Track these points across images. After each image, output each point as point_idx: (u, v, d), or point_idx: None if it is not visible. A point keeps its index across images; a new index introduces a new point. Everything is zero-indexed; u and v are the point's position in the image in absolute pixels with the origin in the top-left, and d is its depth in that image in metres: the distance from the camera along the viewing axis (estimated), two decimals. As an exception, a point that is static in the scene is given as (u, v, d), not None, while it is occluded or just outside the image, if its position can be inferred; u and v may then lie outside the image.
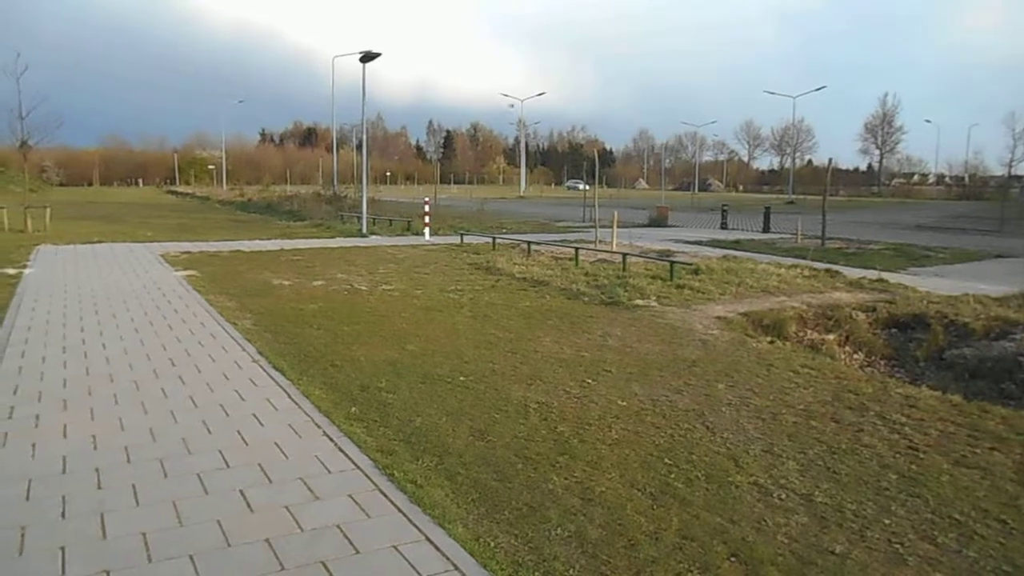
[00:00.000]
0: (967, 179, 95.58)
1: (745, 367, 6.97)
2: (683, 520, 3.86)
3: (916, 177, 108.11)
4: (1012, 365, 8.21)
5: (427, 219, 21.54)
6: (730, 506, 4.04)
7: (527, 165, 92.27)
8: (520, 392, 6.06)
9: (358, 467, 4.40)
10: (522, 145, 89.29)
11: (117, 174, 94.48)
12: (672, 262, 12.71)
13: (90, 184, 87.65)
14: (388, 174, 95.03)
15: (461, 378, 6.44)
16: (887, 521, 3.90)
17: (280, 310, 9.54)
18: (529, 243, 16.47)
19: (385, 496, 4.01)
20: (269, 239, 20.06)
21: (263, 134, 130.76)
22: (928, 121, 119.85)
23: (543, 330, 8.50)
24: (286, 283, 11.87)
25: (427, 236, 21.07)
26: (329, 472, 4.33)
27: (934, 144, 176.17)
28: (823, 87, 76.17)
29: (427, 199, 24.38)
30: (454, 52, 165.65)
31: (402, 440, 4.92)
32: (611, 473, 4.44)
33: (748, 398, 6.01)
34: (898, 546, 3.64)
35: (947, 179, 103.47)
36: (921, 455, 4.84)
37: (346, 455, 4.59)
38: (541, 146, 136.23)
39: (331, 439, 4.87)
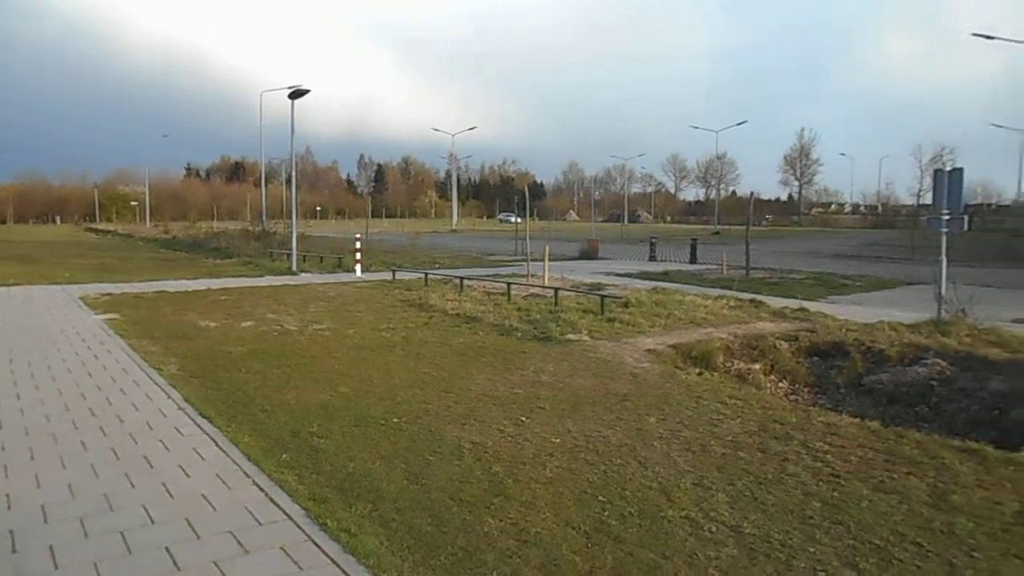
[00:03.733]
0: (880, 208, 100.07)
1: (675, 399, 7.12)
2: (617, 558, 3.90)
3: (833, 207, 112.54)
4: (925, 389, 8.61)
5: (358, 255, 21.38)
6: (663, 541, 4.11)
7: (459, 198, 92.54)
8: (454, 432, 6.06)
9: (289, 517, 4.32)
10: (454, 178, 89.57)
11: (33, 211, 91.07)
12: (603, 296, 12.92)
13: (3, 222, 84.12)
14: (318, 209, 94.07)
15: (395, 420, 6.40)
16: (812, 549, 4.02)
17: (207, 353, 9.31)
18: (461, 279, 16.51)
19: (318, 547, 3.94)
20: (195, 278, 19.59)
21: (189, 168, 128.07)
22: (843, 154, 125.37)
23: (477, 367, 8.51)
24: (213, 325, 11.60)
25: (358, 273, 20.91)
26: (259, 524, 4.24)
27: (849, 175, 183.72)
28: (744, 122, 79.02)
29: (358, 234, 24.21)
30: (385, 86, 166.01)
31: (335, 487, 4.85)
32: (546, 513, 4.47)
33: (679, 431, 6.14)
34: (822, 573, 3.76)
35: (862, 208, 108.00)
36: (843, 482, 5.01)
37: (277, 505, 4.49)
38: (473, 179, 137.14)
39: (261, 488, 4.77)
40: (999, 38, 34.52)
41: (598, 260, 27.92)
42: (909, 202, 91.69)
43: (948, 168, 11.67)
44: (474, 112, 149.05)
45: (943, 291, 11.14)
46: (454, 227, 72.19)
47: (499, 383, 7.76)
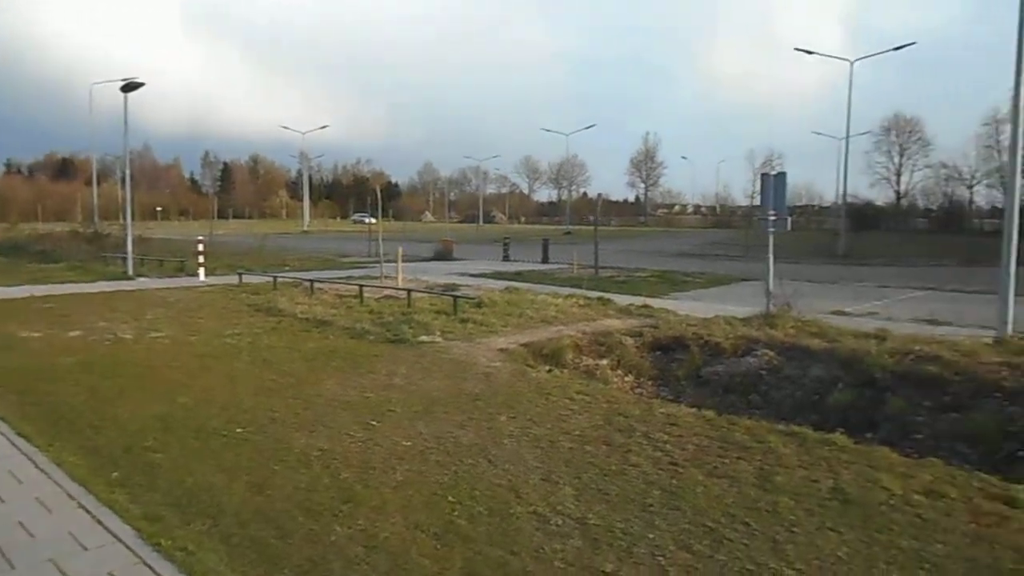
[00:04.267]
0: (718, 209, 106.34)
1: (525, 397, 7.25)
2: (466, 557, 3.93)
3: (677, 208, 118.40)
4: (756, 378, 9.22)
5: (201, 258, 20.36)
6: (511, 538, 4.18)
7: (311, 199, 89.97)
8: (302, 440, 5.89)
9: (119, 540, 4.05)
10: (305, 178, 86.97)
11: None
12: (456, 296, 12.98)
13: None
14: (159, 209, 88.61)
15: (238, 430, 6.14)
16: (651, 535, 4.22)
17: (28, 367, 8.57)
18: (312, 281, 16.08)
19: (150, 569, 3.72)
20: (16, 285, 17.95)
21: (9, 165, 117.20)
22: (684, 158, 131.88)
23: (327, 373, 8.32)
24: (36, 335, 10.69)
25: (202, 277, 19.91)
26: (85, 549, 3.95)
27: (690, 178, 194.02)
28: (593, 125, 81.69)
29: (201, 236, 23.04)
30: (231, 82, 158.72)
31: (171, 504, 4.60)
32: (395, 517, 4.43)
33: (528, 428, 6.26)
34: (660, 558, 3.95)
35: (703, 209, 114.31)
36: (681, 469, 5.29)
37: (105, 527, 4.20)
38: (326, 179, 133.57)
39: (88, 511, 4.44)
40: (817, 53, 37.47)
41: (453, 261, 28.01)
42: (744, 203, 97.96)
43: (774, 172, 12.56)
44: (326, 110, 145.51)
45: (771, 286, 11.97)
46: (306, 228, 70.21)
47: (350, 388, 7.63)
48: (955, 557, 3.95)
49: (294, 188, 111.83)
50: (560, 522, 4.39)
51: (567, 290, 16.04)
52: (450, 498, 4.73)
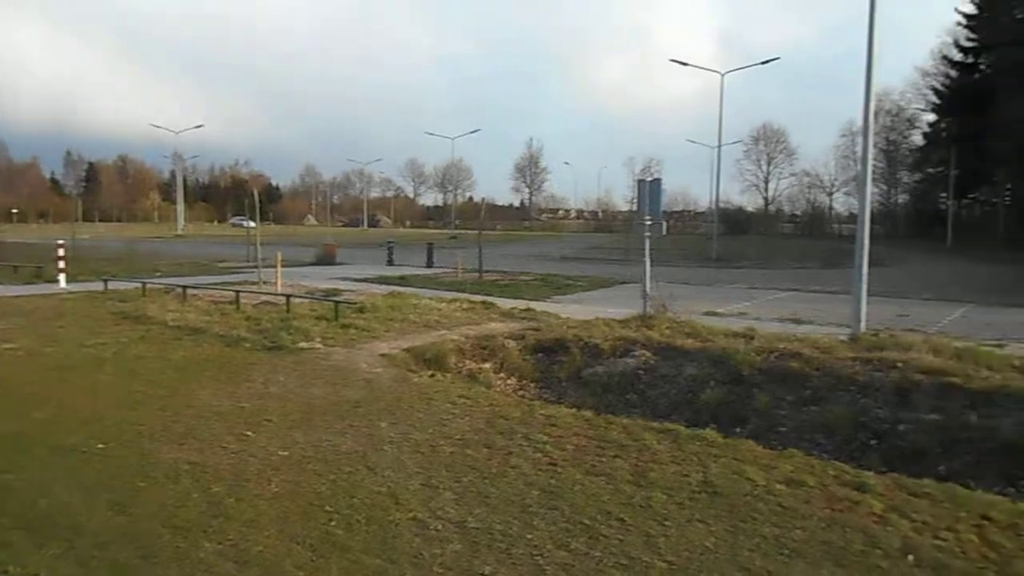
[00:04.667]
0: (600, 214, 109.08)
1: (407, 402, 7.20)
2: (343, 568, 3.86)
3: (561, 212, 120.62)
4: (634, 378, 9.51)
5: (62, 263, 19.09)
6: (390, 545, 4.13)
7: (186, 201, 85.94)
8: (170, 454, 5.62)
9: (-40, 568, 3.75)
10: (179, 179, 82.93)
11: None
12: (337, 301, 12.74)
13: None
14: (14, 211, 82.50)
15: (100, 445, 5.79)
16: (530, 536, 4.27)
17: None
18: (185, 287, 15.38)
19: (-4, 598, 3.46)
20: None
21: None
22: (567, 163, 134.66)
23: (199, 383, 7.98)
24: None
25: (63, 283, 18.65)
26: (-81, 580, 3.63)
27: (573, 183, 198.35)
28: (478, 130, 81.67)
29: (62, 240, 21.58)
30: (96, 77, 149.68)
31: (23, 527, 4.29)
32: (269, 530, 4.30)
33: (409, 433, 6.21)
34: (539, 558, 4.00)
35: (585, 214, 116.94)
36: (559, 469, 5.38)
37: (-56, 556, 3.88)
38: (202, 181, 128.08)
39: (-76, 539, 4.08)
40: (690, 65, 39.09)
41: (336, 265, 27.47)
42: (625, 208, 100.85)
43: (650, 178, 13.00)
44: (202, 109, 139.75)
45: (648, 289, 12.37)
46: (180, 232, 67.12)
47: (223, 397, 7.34)
48: (812, 541, 4.20)
49: (167, 190, 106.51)
50: (440, 527, 4.38)
51: (451, 294, 16.04)
52: (327, 508, 4.63)
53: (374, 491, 4.93)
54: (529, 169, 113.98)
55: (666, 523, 4.44)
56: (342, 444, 5.91)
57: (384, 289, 17.33)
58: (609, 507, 4.68)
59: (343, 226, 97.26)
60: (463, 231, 69.74)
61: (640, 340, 10.30)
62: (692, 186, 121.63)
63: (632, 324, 11.37)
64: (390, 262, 28.50)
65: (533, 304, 14.44)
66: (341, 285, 18.63)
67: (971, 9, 52.30)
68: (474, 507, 4.67)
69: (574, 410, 7.17)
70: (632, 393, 9.20)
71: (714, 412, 8.31)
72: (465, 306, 13.71)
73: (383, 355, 9.45)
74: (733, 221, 74.96)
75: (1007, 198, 55.39)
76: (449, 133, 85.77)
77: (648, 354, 9.81)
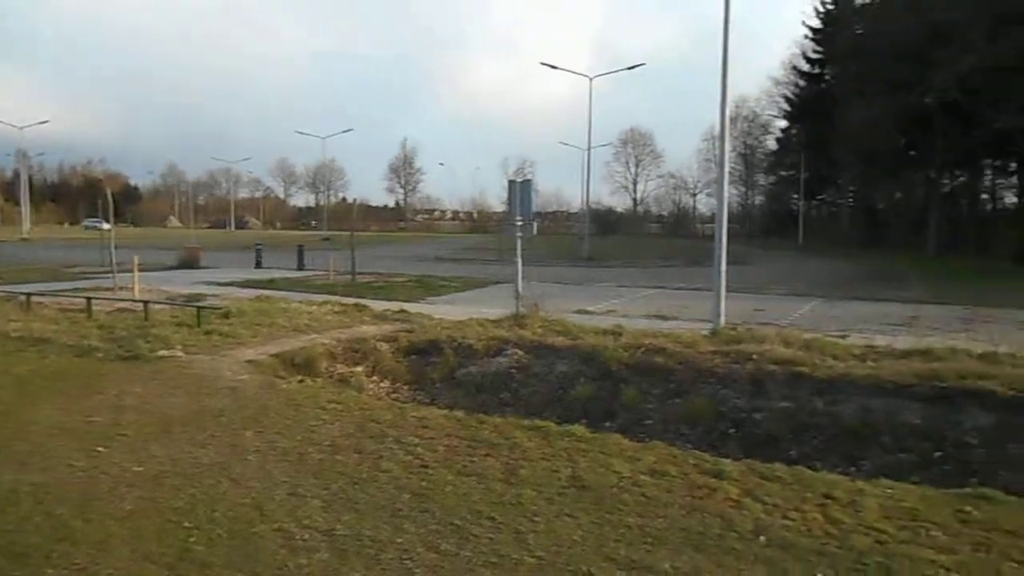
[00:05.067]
0: (476, 215, 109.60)
1: (274, 410, 6.96)
2: (202, 585, 3.69)
3: (437, 213, 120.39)
4: (507, 377, 9.60)
5: None
6: (253, 558, 3.98)
7: (32, 202, 79.76)
8: (9, 475, 5.19)
9: None
10: (24, 178, 76.86)
11: None
12: (200, 307, 12.19)
13: None
14: None
15: (-75, 470, 5.29)
16: (400, 540, 4.22)
17: None
18: (29, 295, 14.27)
19: None
20: None
21: None
22: (441, 164, 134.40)
23: (45, 397, 7.42)
24: None
25: None
26: None
27: (449, 184, 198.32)
28: (350, 129, 79.96)
29: None
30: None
31: None
32: (122, 551, 4.05)
33: (276, 442, 6.01)
34: (408, 562, 3.96)
35: (461, 215, 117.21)
36: (431, 471, 5.35)
37: None
38: (50, 180, 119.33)
39: None
40: (561, 68, 39.94)
41: (200, 269, 26.28)
42: (499, 209, 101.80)
43: (521, 179, 13.17)
44: (51, 104, 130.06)
45: (520, 288, 12.54)
46: (26, 235, 62.28)
47: (73, 412, 6.85)
48: (673, 528, 4.36)
49: (10, 190, 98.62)
50: (306, 536, 4.26)
51: (322, 297, 15.68)
52: (186, 523, 4.41)
53: (237, 503, 4.74)
54: (403, 170, 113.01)
55: (536, 519, 4.50)
56: (203, 456, 5.65)
57: (251, 293, 16.72)
58: (480, 506, 4.70)
59: (208, 228, 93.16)
60: (336, 232, 68.33)
61: (513, 339, 10.41)
62: (565, 187, 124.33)
63: (505, 324, 11.48)
64: (259, 265, 27.56)
65: (407, 306, 14.33)
66: (205, 289, 17.82)
67: (817, 24, 56.16)
68: (343, 514, 4.57)
69: (447, 411, 7.16)
70: (505, 392, 9.29)
71: (585, 407, 8.52)
72: (337, 309, 13.44)
73: (249, 361, 9.11)
74: (604, 221, 77.30)
75: (850, 200, 59.82)
76: (321, 132, 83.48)
77: (521, 353, 9.93)
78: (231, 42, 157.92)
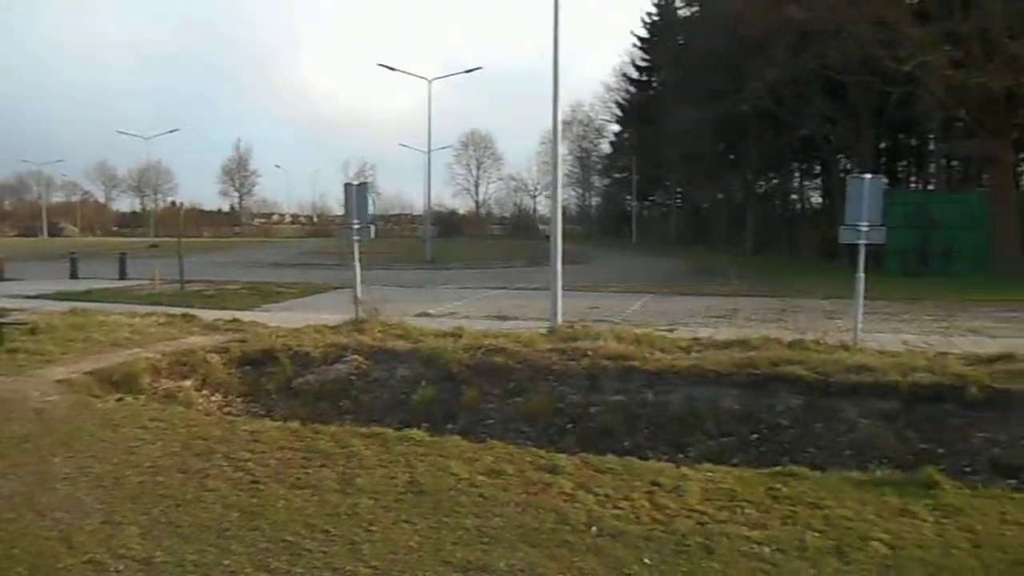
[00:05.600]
0: (316, 218, 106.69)
1: (88, 432, 6.43)
2: (-4, 631, 3.34)
3: (275, 217, 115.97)
4: (347, 384, 9.40)
5: None
6: (59, 596, 3.66)
7: None
8: None
9: None
10: None
11: None
12: (1, 323, 11.07)
13: None
14: None
15: None
16: (227, 561, 4.01)
17: None
18: None
19: None
20: None
21: None
22: (278, 166, 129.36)
23: None
24: None
25: None
26: None
27: (286, 187, 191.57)
28: (176, 130, 75.22)
29: None
30: None
31: None
32: None
33: (89, 467, 5.56)
34: (235, 584, 3.78)
35: (301, 219, 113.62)
36: (262, 487, 5.13)
37: None
38: None
39: None
40: (399, 70, 39.69)
41: (5, 281, 23.91)
42: (340, 212, 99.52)
43: (357, 182, 12.93)
44: None
45: (359, 293, 12.31)
46: None
47: None
48: (509, 526, 4.42)
49: None
50: (121, 567, 3.96)
51: (146, 308, 14.71)
52: (-22, 564, 3.99)
53: (41, 537, 4.34)
54: (237, 172, 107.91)
55: (372, 528, 4.42)
56: (3, 487, 5.13)
57: (64, 306, 15.36)
58: (313, 520, 4.56)
59: (16, 236, 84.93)
60: (164, 239, 64.33)
61: (352, 345, 10.20)
62: (407, 190, 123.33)
63: (344, 330, 11.23)
64: (74, 275, 25.43)
65: (240, 314, 13.71)
66: (9, 304, 16.16)
67: (644, 34, 59.08)
68: (164, 539, 4.29)
69: (281, 423, 6.92)
70: (345, 399, 9.09)
71: (427, 411, 8.49)
72: (162, 320, 12.64)
73: (60, 381, 8.37)
74: (447, 224, 77.55)
75: (679, 200, 63.44)
76: (145, 132, 77.97)
77: (360, 359, 9.75)
78: (48, 33, 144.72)
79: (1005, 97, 23.16)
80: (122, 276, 24.74)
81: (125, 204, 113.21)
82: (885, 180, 11.21)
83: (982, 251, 24.47)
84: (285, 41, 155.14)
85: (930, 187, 37.14)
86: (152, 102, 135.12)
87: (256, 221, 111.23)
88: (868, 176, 10.34)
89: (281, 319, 13.44)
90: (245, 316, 13.54)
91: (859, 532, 4.31)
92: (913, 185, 39.86)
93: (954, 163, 36.83)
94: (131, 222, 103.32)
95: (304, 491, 5.04)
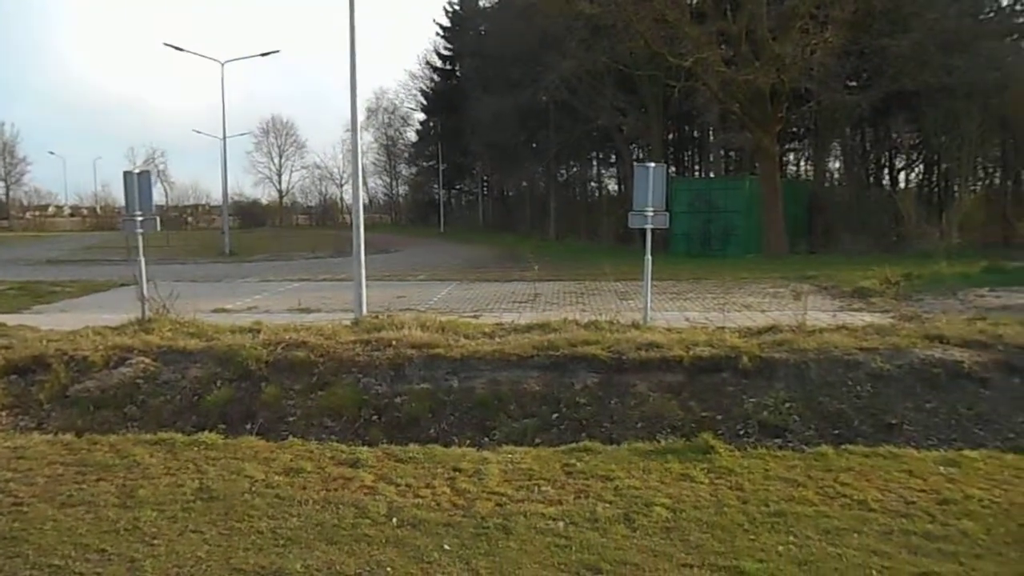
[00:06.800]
0: (99, 210, 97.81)
1: None
2: None
3: (51, 209, 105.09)
4: (133, 389, 8.70)
5: None
6: None
7: None
8: None
9: None
10: None
11: None
12: None
13: None
14: None
15: None
16: (-19, 596, 3.60)
17: None
18: None
19: None
20: None
21: None
22: (52, 153, 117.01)
23: None
24: None
25: None
26: None
27: (64, 176, 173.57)
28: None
29: None
30: None
31: None
32: None
33: None
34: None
35: (82, 210, 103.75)
36: (26, 508, 4.65)
37: None
38: None
39: None
40: (187, 51, 37.11)
41: None
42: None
43: (138, 170, 11.97)
44: None
45: (145, 290, 11.43)
46: None
47: None
48: (307, 526, 4.31)
49: None
50: None
51: None
52: None
53: None
54: (4, 160, 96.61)
55: (155, 542, 4.14)
56: None
57: None
58: (87, 539, 4.19)
59: None
60: (-89, 235, 56.44)
61: (138, 346, 9.45)
62: (204, 178, 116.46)
63: (128, 330, 10.39)
64: None
65: (5, 318, 12.29)
66: None
67: (447, 22, 59.33)
68: (-99, 579, 3.77)
69: (52, 436, 6.30)
70: (131, 405, 8.41)
71: (222, 412, 8.06)
72: (-96, 329, 11.06)
73: None
74: (248, 214, 74.12)
75: (485, 188, 64.54)
76: None
77: (148, 361, 9.06)
78: None
79: (770, 92, 25.60)
80: None
81: None
82: (673, 169, 12.02)
83: (755, 233, 26.95)
84: (57, 13, 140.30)
85: (711, 175, 40.31)
86: None
87: (28, 214, 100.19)
88: (653, 165, 11.02)
89: (55, 321, 12.21)
90: (11, 319, 12.16)
91: (644, 499, 4.60)
92: (697, 173, 43.03)
93: (731, 153, 40.26)
94: None
95: (77, 509, 4.62)
